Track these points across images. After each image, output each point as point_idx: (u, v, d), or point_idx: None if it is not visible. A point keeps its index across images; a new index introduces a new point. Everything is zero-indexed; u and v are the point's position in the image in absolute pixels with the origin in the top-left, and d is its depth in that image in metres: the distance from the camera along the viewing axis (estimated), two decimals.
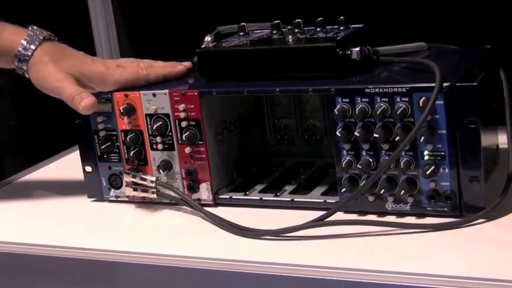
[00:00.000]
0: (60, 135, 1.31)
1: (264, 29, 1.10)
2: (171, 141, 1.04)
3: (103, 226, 1.04)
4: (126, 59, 1.11)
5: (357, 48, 0.98)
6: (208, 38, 1.07)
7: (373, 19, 1.08)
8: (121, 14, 1.53)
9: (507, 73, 0.99)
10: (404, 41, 1.05)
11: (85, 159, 1.10)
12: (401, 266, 0.81)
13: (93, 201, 1.11)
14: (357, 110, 0.92)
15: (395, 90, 0.90)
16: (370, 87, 0.92)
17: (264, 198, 1.02)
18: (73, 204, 1.11)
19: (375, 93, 0.91)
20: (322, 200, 0.99)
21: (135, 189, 1.06)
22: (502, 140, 1.01)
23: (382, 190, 0.93)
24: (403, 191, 0.92)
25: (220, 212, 1.00)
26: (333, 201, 0.97)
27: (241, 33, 1.09)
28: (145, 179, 1.05)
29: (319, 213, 0.93)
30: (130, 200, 1.08)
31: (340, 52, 0.97)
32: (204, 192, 1.04)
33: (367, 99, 0.92)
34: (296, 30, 1.04)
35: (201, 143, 1.02)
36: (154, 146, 1.05)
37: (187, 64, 1.10)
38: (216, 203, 1.04)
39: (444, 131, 0.89)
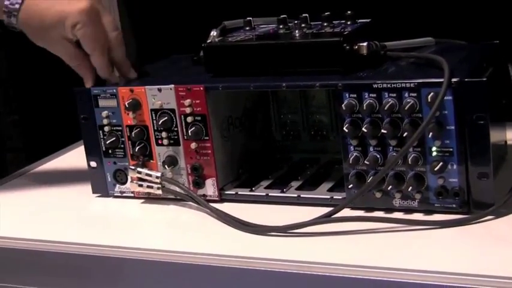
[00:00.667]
0: (65, 130, 1.31)
1: (270, 23, 1.10)
2: (176, 137, 1.03)
3: (108, 222, 1.03)
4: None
5: (365, 43, 0.97)
6: (214, 33, 1.06)
7: (381, 14, 1.08)
8: (125, 8, 1.53)
9: None
10: (412, 36, 1.05)
11: (90, 155, 1.10)
12: (409, 263, 0.81)
13: (98, 196, 1.11)
14: (364, 105, 0.91)
15: (403, 85, 0.90)
16: (377, 82, 0.91)
17: (270, 194, 1.02)
18: (78, 199, 1.11)
19: (382, 88, 0.91)
20: (328, 196, 0.98)
21: (140, 185, 1.05)
22: (510, 136, 1.01)
23: (390, 186, 0.92)
24: (410, 188, 0.91)
25: (226, 208, 1.00)
26: (340, 197, 0.97)
27: (247, 28, 1.09)
28: (150, 175, 1.05)
29: (325, 210, 0.93)
30: (135, 196, 1.08)
31: (348, 47, 0.96)
32: (210, 188, 1.03)
33: (374, 95, 0.91)
34: (303, 25, 1.03)
35: (207, 138, 1.02)
36: (160, 142, 1.04)
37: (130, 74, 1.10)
38: (222, 199, 1.04)
39: (452, 127, 0.88)
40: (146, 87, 1.04)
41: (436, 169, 0.89)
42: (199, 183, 1.04)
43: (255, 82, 0.99)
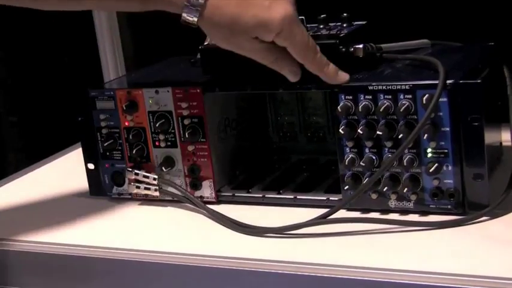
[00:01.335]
0: (62, 132, 1.31)
1: None
2: (173, 139, 1.04)
3: (105, 223, 1.03)
4: None
5: (360, 45, 0.97)
6: None
7: (377, 16, 1.08)
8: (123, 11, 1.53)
9: (511, 70, 0.99)
10: (408, 38, 1.05)
11: (88, 157, 1.10)
12: (404, 264, 0.81)
13: (96, 198, 1.11)
14: (360, 107, 0.92)
15: (398, 87, 0.90)
16: (373, 84, 0.91)
17: (266, 195, 1.02)
18: (76, 201, 1.11)
19: (378, 90, 0.91)
20: (325, 198, 0.99)
21: (137, 187, 1.06)
22: (505, 137, 1.01)
23: (385, 188, 0.92)
24: (406, 189, 0.91)
25: (223, 209, 1.00)
26: (336, 198, 0.97)
27: None
28: (147, 177, 1.05)
29: (322, 211, 0.93)
30: (133, 198, 1.08)
31: (344, 49, 0.97)
32: (207, 189, 1.04)
33: (370, 97, 0.91)
34: None
35: (204, 140, 1.02)
36: (157, 143, 1.05)
37: None
38: (219, 201, 1.04)
39: (448, 129, 0.89)
40: (143, 89, 1.04)
41: (431, 170, 0.90)
42: (196, 185, 1.04)
43: (252, 84, 1.00)
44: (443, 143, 0.89)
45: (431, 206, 0.92)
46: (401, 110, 0.89)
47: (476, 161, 0.88)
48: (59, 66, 1.06)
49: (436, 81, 0.87)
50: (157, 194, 1.05)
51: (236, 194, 1.04)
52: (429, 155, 0.90)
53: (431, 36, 1.07)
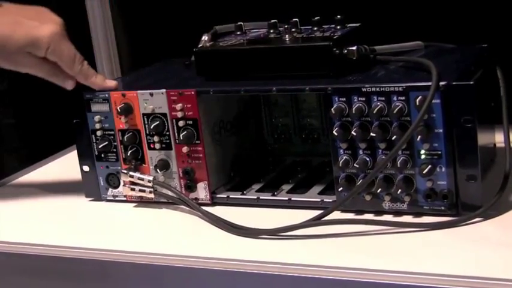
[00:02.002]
0: (57, 134, 1.31)
1: (261, 28, 1.10)
2: (168, 141, 1.04)
3: (100, 226, 1.04)
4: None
5: (354, 47, 0.98)
6: (205, 37, 1.07)
7: (370, 18, 1.08)
8: (118, 13, 1.53)
9: (504, 72, 0.99)
10: (401, 39, 1.05)
11: (82, 159, 1.10)
12: (398, 265, 0.81)
13: (91, 200, 1.11)
14: (353, 109, 0.92)
15: (392, 89, 0.90)
16: (366, 86, 0.92)
17: (261, 197, 1.03)
18: (70, 203, 1.11)
19: (371, 92, 0.91)
20: (319, 199, 0.99)
21: (132, 189, 1.06)
22: (499, 138, 1.01)
23: (379, 189, 0.93)
24: (400, 190, 0.92)
25: (218, 211, 1.00)
26: (330, 200, 0.97)
27: (238, 33, 1.09)
28: (142, 179, 1.05)
29: (316, 213, 0.93)
30: (128, 200, 1.08)
31: (337, 51, 0.97)
32: (202, 191, 1.04)
33: (363, 98, 0.92)
34: (293, 30, 1.04)
35: (198, 142, 1.02)
36: (152, 146, 1.05)
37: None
38: (214, 202, 1.04)
39: (441, 130, 0.89)
40: (138, 91, 1.04)
41: (424, 172, 0.90)
42: (191, 187, 1.04)
43: (245, 86, 1.00)
44: (436, 144, 0.90)
45: (424, 207, 0.92)
46: (394, 111, 0.90)
47: (470, 163, 0.89)
48: None
49: (429, 83, 0.88)
50: (152, 196, 1.05)
51: (231, 196, 1.04)
52: (422, 156, 0.91)
53: (424, 38, 1.08)
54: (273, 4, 1.33)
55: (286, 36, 1.03)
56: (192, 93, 1.01)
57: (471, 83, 0.88)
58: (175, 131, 1.03)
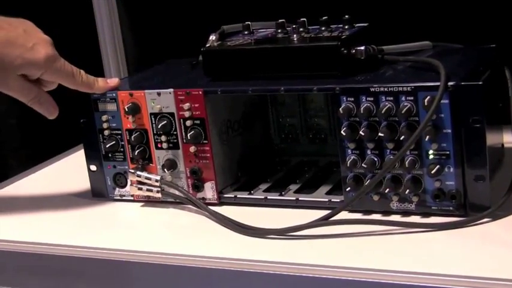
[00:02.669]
0: (65, 134, 1.31)
1: (268, 28, 1.10)
2: (175, 140, 1.04)
3: (108, 225, 1.04)
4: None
5: (362, 47, 0.97)
6: (212, 37, 1.07)
7: (378, 18, 1.08)
8: (125, 13, 1.53)
9: None
10: (409, 39, 1.05)
11: (90, 158, 1.10)
12: (406, 266, 0.81)
13: (98, 200, 1.11)
14: (361, 109, 0.92)
15: (400, 89, 0.90)
16: (375, 86, 0.91)
17: (268, 197, 1.02)
18: (78, 203, 1.11)
19: (379, 92, 0.91)
20: (326, 199, 0.99)
21: (139, 188, 1.06)
22: (507, 139, 1.01)
23: (387, 189, 0.92)
24: (408, 190, 0.92)
25: (225, 211, 1.00)
26: (338, 200, 0.97)
27: (246, 32, 1.09)
28: (150, 178, 1.05)
29: (323, 213, 0.93)
30: (135, 199, 1.08)
31: (345, 51, 0.97)
32: (209, 191, 1.04)
33: (372, 98, 0.92)
34: (301, 29, 1.04)
35: (206, 142, 1.02)
36: (159, 145, 1.05)
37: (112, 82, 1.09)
38: (221, 202, 1.04)
39: (449, 130, 0.89)
40: (145, 91, 1.04)
41: (433, 172, 0.90)
42: (198, 187, 1.04)
43: (253, 86, 1.00)
44: (444, 144, 0.89)
45: (433, 207, 0.92)
46: (402, 111, 0.90)
47: (478, 163, 0.89)
48: None
49: (438, 83, 0.88)
50: (159, 195, 1.05)
51: (238, 196, 1.04)
52: (431, 156, 0.90)
53: (432, 38, 1.07)
54: (281, 4, 1.32)
55: (294, 36, 1.03)
56: (200, 92, 1.01)
57: (480, 83, 0.87)
58: (183, 130, 1.03)
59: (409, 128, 0.90)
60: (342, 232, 0.90)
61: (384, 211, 0.94)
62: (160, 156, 1.05)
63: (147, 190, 1.05)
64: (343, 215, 0.94)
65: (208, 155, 1.03)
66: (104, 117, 1.07)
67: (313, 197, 1.01)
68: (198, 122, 1.02)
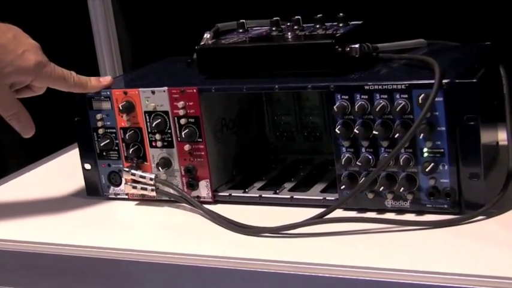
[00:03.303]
0: (59, 132, 1.31)
1: (263, 25, 1.10)
2: (170, 139, 1.04)
3: (102, 224, 1.03)
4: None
5: (356, 45, 0.97)
6: (207, 35, 1.07)
7: (373, 16, 1.08)
8: (120, 11, 1.53)
9: (507, 70, 0.99)
10: (404, 37, 1.05)
11: (84, 157, 1.10)
12: (400, 264, 0.81)
13: (93, 198, 1.11)
14: (356, 107, 0.92)
15: (394, 87, 0.90)
16: (369, 84, 0.91)
17: (263, 195, 1.02)
18: (72, 202, 1.11)
19: (374, 90, 0.91)
20: (321, 197, 0.99)
21: (134, 187, 1.06)
22: (501, 136, 1.01)
23: (382, 187, 0.92)
24: (402, 188, 0.92)
25: (220, 209, 1.00)
26: (333, 198, 0.97)
27: (241, 30, 1.09)
28: (144, 177, 1.05)
29: (318, 211, 0.93)
30: (130, 198, 1.08)
31: (340, 49, 0.97)
32: (204, 189, 1.04)
33: (366, 96, 0.92)
34: (295, 27, 1.04)
35: (200, 140, 1.02)
36: (154, 144, 1.05)
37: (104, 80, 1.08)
38: (216, 200, 1.04)
39: (444, 128, 0.89)
40: (140, 89, 1.04)
41: (427, 170, 0.90)
42: (193, 185, 1.04)
43: (248, 84, 1.00)
44: (439, 142, 0.89)
45: (427, 205, 0.92)
46: (397, 109, 0.89)
47: (473, 161, 0.88)
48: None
49: (432, 81, 0.88)
50: (154, 194, 1.05)
51: (233, 194, 1.04)
52: (425, 154, 0.90)
53: (427, 36, 1.07)
54: (276, 2, 1.32)
55: (289, 34, 1.02)
56: (194, 91, 1.01)
57: (474, 81, 0.87)
58: (177, 129, 1.03)
59: (403, 125, 0.90)
60: (336, 230, 0.90)
61: (379, 209, 0.94)
62: (154, 154, 1.05)
63: (142, 189, 1.05)
64: (338, 213, 0.94)
65: (203, 153, 1.03)
66: (98, 116, 1.07)
67: (307, 195, 1.01)
68: (192, 120, 1.02)
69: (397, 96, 0.90)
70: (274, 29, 1.06)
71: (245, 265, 0.87)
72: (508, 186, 0.91)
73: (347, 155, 0.94)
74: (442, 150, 0.89)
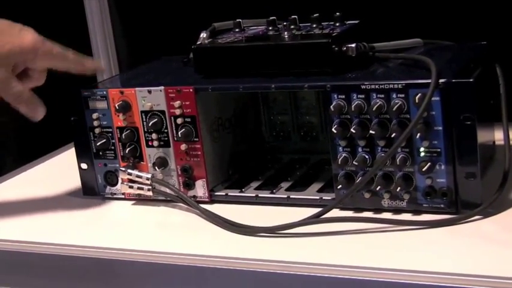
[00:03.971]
0: (55, 132, 1.31)
1: (259, 25, 1.10)
2: (166, 138, 1.04)
3: (98, 223, 1.03)
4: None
5: (353, 45, 0.97)
6: (203, 35, 1.07)
7: (369, 15, 1.08)
8: (116, 11, 1.53)
9: (503, 69, 0.99)
10: (401, 37, 1.05)
11: (80, 156, 1.10)
12: (397, 263, 0.81)
13: (89, 198, 1.11)
14: (352, 106, 0.92)
15: (391, 86, 0.90)
16: (366, 83, 0.91)
17: (259, 195, 1.02)
18: (69, 201, 1.11)
19: (370, 89, 0.91)
20: (318, 197, 0.99)
21: (130, 187, 1.06)
22: (498, 136, 1.01)
23: (378, 187, 0.92)
24: (399, 188, 0.92)
25: (216, 209, 1.00)
26: (329, 198, 0.97)
27: (237, 30, 1.09)
28: (140, 176, 1.05)
29: (315, 210, 0.93)
30: (126, 197, 1.08)
31: (336, 48, 0.97)
32: (200, 189, 1.04)
33: (363, 96, 0.91)
34: (292, 27, 1.04)
35: (197, 139, 1.02)
36: (150, 143, 1.05)
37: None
38: (212, 200, 1.04)
39: (440, 128, 0.89)
40: (136, 89, 1.04)
41: (424, 169, 0.90)
42: (189, 185, 1.04)
43: (244, 83, 1.00)
44: (436, 142, 0.89)
45: (424, 205, 0.92)
46: (394, 109, 0.89)
47: (469, 160, 0.88)
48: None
49: (429, 81, 0.88)
50: (150, 193, 1.05)
51: (229, 194, 1.04)
52: (422, 154, 0.90)
53: (423, 35, 1.07)
54: (272, 1, 1.32)
55: (285, 33, 1.02)
56: (191, 90, 1.01)
57: (471, 80, 0.87)
58: (174, 128, 1.03)
59: (400, 125, 0.90)
60: (333, 230, 0.90)
61: (375, 209, 0.94)
62: (151, 154, 1.05)
63: (138, 188, 1.05)
64: (335, 212, 0.94)
65: (199, 152, 1.02)
66: (95, 115, 1.06)
67: (304, 194, 1.01)
68: (189, 119, 1.02)
69: (394, 95, 0.90)
70: (270, 28, 1.06)
71: (241, 265, 0.87)
72: (504, 185, 0.91)
73: (344, 155, 0.94)
74: (439, 149, 0.89)
